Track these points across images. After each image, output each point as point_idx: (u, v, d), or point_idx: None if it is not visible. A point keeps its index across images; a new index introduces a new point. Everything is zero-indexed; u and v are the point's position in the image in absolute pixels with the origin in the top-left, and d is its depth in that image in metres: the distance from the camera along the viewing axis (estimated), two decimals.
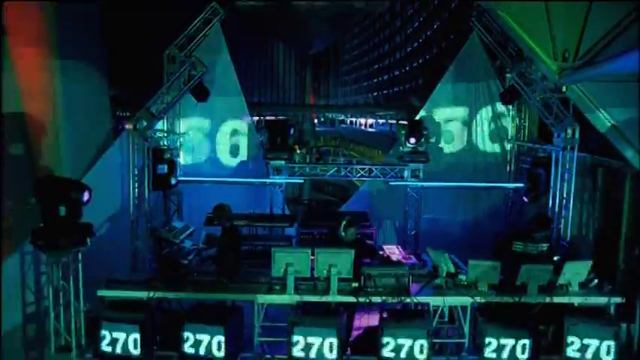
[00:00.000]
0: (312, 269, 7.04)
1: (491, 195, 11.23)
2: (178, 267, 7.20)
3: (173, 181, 9.71)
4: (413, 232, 10.87)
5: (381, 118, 46.68)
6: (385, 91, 46.34)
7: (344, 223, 7.85)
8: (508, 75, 9.65)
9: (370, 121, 50.77)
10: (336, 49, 55.34)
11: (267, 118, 46.43)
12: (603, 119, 9.01)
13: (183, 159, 10.88)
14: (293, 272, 6.98)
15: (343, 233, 7.82)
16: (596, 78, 8.53)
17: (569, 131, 9.15)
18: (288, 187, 11.31)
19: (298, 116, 50.74)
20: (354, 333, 7.53)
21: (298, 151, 43.34)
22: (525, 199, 10.01)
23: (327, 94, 58.54)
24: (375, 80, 48.77)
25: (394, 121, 45.73)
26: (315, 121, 53.04)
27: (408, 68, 41.54)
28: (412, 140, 10.50)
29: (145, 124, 8.86)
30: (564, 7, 9.07)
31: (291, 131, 10.47)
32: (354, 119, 53.16)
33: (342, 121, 54.19)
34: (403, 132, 10.50)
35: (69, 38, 9.27)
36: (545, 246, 7.91)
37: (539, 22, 9.22)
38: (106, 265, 8.07)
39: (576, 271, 7.25)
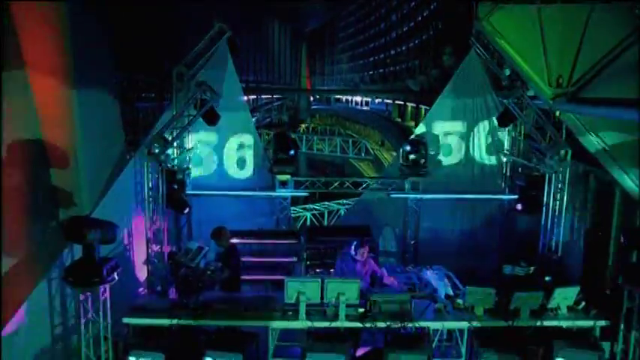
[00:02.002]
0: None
1: (488, 205, 11.74)
2: (198, 296, 7.75)
3: (186, 210, 10.22)
4: (413, 242, 11.44)
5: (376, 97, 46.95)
6: (381, 70, 46.42)
7: (355, 244, 8.67)
8: (506, 101, 10.09)
9: (366, 99, 51.09)
10: (332, 26, 55.20)
11: (263, 96, 46.54)
12: (594, 142, 9.52)
13: (192, 172, 11.29)
14: (305, 300, 7.56)
15: (354, 252, 8.61)
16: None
17: (562, 153, 9.63)
18: None
19: (294, 94, 50.96)
20: (360, 352, 8.16)
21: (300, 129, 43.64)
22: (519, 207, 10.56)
23: (322, 72, 58.64)
24: (371, 59, 48.79)
25: (390, 101, 46.11)
26: (311, 98, 53.32)
27: (404, 48, 41.59)
28: (408, 148, 10.98)
29: (158, 148, 9.27)
30: (559, 34, 9.50)
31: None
32: (349, 97, 53.45)
33: (338, 100, 54.51)
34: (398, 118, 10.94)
35: (84, 64, 9.63)
36: (532, 268, 8.52)
37: (534, 48, 9.66)
38: (122, 282, 8.63)
39: (565, 296, 7.88)
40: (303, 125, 46.67)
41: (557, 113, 9.89)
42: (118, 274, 7.27)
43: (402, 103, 42.35)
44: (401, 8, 42.15)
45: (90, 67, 9.69)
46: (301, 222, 22.96)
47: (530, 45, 9.62)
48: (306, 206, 23.35)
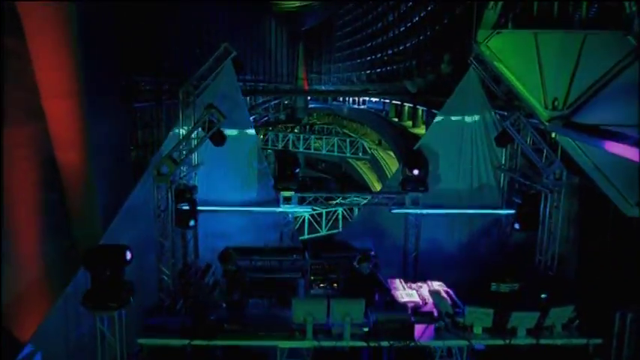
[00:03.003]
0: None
1: (485, 217, 12.10)
2: (209, 317, 8.09)
3: (192, 223, 10.52)
4: (413, 254, 11.80)
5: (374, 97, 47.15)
6: (379, 70, 46.58)
7: (358, 258, 9.30)
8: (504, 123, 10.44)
9: (363, 98, 51.33)
10: (329, 25, 55.34)
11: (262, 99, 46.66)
12: (588, 161, 9.89)
13: (198, 188, 11.57)
14: (312, 321, 7.90)
15: (357, 265, 9.18)
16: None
17: (557, 173, 9.99)
18: None
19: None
20: None
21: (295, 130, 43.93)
22: (517, 227, 10.92)
23: (319, 71, 58.82)
24: (369, 58, 48.97)
25: (387, 100, 46.38)
26: (308, 97, 53.50)
27: (401, 48, 41.76)
28: (415, 172, 11.32)
29: (167, 169, 9.57)
30: (555, 59, 9.86)
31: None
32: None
33: (335, 98, 54.79)
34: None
35: (95, 85, 9.95)
36: (516, 285, 8.89)
37: (531, 72, 10.02)
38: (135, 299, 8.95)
39: (560, 315, 8.26)
40: (300, 125, 46.85)
41: (553, 134, 10.24)
42: (133, 298, 7.57)
43: (399, 102, 42.60)
44: (398, 8, 42.32)
45: (101, 86, 10.03)
46: (299, 222, 23.32)
47: (527, 68, 9.98)
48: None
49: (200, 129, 10.13)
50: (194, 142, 10.19)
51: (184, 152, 9.95)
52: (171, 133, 11.22)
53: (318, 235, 24.75)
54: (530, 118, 10.68)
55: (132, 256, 7.55)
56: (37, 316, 8.23)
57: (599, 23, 9.94)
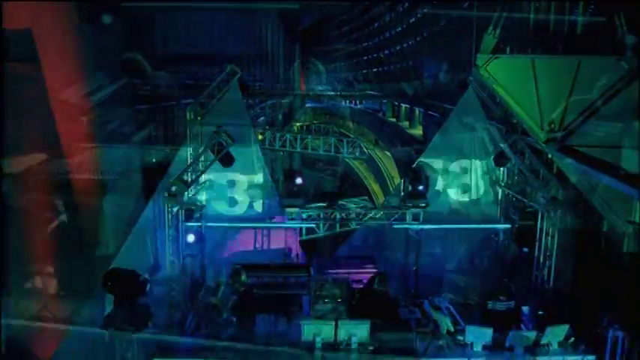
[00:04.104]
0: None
1: (484, 232, 12.45)
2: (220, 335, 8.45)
3: (200, 240, 10.85)
4: (414, 268, 12.16)
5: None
6: (375, 69, 46.74)
7: (378, 278, 9.88)
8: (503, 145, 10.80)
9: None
10: (326, 25, 55.36)
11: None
12: (583, 181, 10.28)
13: (205, 205, 11.87)
14: (320, 340, 8.27)
15: (378, 286, 9.80)
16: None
17: (553, 192, 10.35)
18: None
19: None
20: None
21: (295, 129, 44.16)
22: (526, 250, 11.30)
23: (316, 70, 58.81)
24: (366, 58, 49.08)
25: (384, 101, 46.58)
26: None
27: (398, 48, 41.91)
28: (421, 188, 11.65)
29: (177, 190, 9.90)
30: (551, 82, 10.25)
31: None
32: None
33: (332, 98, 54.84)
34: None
35: (107, 110, 10.27)
36: (511, 303, 9.26)
37: (528, 95, 10.42)
38: None
39: (556, 334, 8.65)
40: (297, 124, 47.06)
41: (549, 155, 10.63)
42: (152, 323, 7.92)
43: (395, 103, 42.84)
44: (395, 9, 42.43)
45: (113, 103, 10.34)
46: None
47: (524, 92, 10.38)
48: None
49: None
50: (202, 164, 10.49)
51: (194, 175, 10.27)
52: (178, 153, 11.48)
53: (316, 236, 25.10)
54: (527, 136, 11.05)
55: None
56: (56, 336, 8.57)
57: (593, 48, 10.34)
